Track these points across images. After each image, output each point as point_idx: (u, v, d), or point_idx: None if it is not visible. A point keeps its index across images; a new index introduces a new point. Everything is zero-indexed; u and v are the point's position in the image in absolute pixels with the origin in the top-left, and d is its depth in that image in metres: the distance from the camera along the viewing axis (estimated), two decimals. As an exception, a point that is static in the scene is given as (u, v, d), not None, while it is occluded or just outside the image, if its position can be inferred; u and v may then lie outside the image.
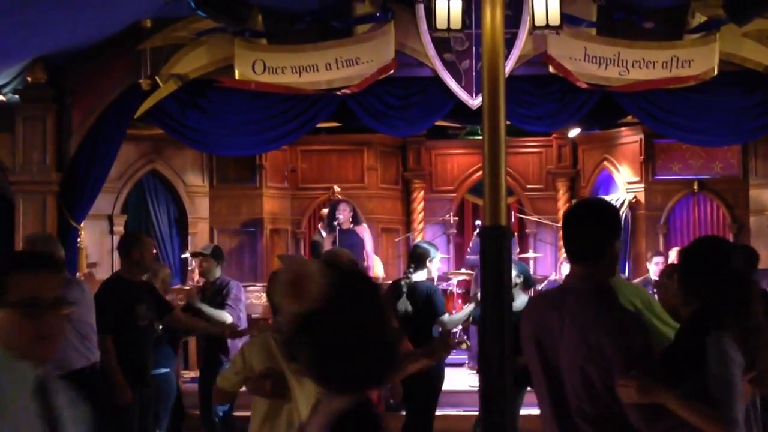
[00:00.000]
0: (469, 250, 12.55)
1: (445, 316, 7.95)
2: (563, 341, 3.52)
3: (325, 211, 12.28)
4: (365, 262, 11.37)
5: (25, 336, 2.59)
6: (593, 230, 3.54)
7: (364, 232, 11.82)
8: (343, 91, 9.66)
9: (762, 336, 3.76)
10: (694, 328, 3.80)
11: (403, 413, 8.21)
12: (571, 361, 3.50)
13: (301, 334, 2.22)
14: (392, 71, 9.65)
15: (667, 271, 6.46)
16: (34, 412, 2.55)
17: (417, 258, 8.12)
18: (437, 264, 8.35)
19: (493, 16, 6.98)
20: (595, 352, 3.38)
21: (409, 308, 7.79)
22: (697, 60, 9.53)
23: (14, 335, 2.59)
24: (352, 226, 11.69)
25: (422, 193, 14.23)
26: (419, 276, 8.05)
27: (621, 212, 12.91)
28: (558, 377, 3.57)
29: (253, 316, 10.63)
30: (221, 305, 8.32)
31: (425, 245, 8.37)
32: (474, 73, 9.47)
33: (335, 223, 11.49)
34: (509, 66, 9.10)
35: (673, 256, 10.83)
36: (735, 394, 3.50)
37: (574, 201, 13.73)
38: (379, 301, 2.32)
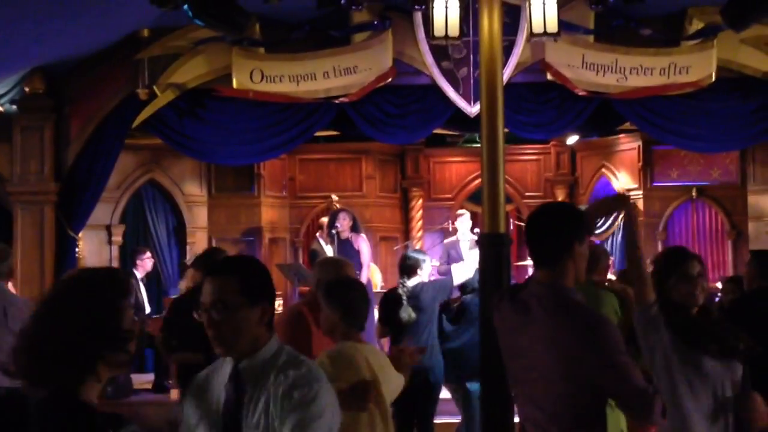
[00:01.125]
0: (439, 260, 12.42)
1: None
2: (529, 351, 3.49)
3: (325, 220, 12.28)
4: (360, 272, 11.38)
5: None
6: (549, 233, 3.52)
7: (361, 242, 11.81)
8: (341, 99, 9.66)
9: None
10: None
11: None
12: (540, 372, 3.45)
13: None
14: (390, 79, 9.66)
15: None
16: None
17: (408, 268, 8.15)
18: (428, 270, 8.39)
19: (490, 24, 6.99)
20: (568, 359, 3.35)
21: (413, 314, 7.79)
22: (694, 66, 9.54)
23: None
24: (350, 235, 11.69)
25: (421, 201, 14.22)
26: (413, 283, 8.08)
27: (619, 219, 12.89)
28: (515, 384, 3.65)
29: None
30: None
31: (414, 255, 8.41)
32: (472, 81, 9.47)
33: (334, 231, 11.49)
34: (507, 73, 9.11)
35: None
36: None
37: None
38: (90, 303, 2.50)
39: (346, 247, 11.48)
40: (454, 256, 11.47)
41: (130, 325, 2.59)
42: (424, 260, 8.25)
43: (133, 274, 11.44)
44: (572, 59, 9.58)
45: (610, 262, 11.46)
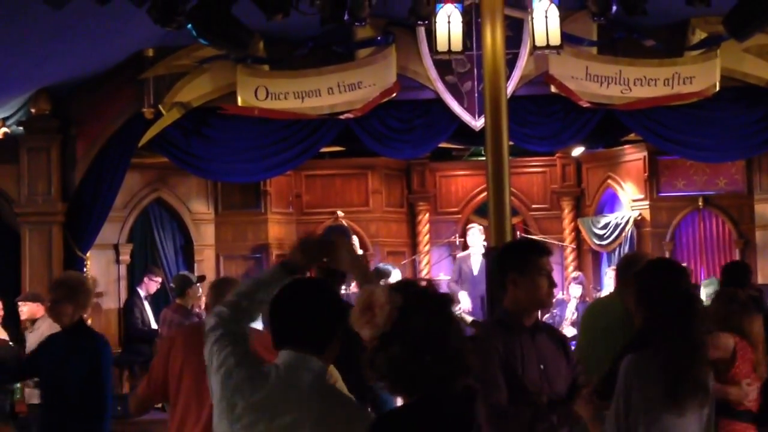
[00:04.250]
0: (450, 276, 12.41)
1: None
2: None
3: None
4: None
5: None
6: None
7: None
8: (345, 115, 9.69)
9: (700, 353, 3.95)
10: (626, 348, 4.07)
11: None
12: None
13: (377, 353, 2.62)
14: (394, 94, 9.69)
15: None
16: None
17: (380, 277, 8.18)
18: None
19: (493, 38, 7.03)
20: None
21: None
22: (698, 76, 9.55)
23: None
24: None
25: (427, 215, 14.20)
26: None
27: (626, 230, 12.87)
28: None
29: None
30: None
31: (386, 266, 8.47)
32: (476, 95, 9.49)
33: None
34: (511, 86, 9.13)
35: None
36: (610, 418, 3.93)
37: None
38: (444, 315, 2.66)
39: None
40: (465, 270, 11.47)
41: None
42: (392, 271, 8.35)
43: (137, 292, 11.47)
44: (576, 71, 9.60)
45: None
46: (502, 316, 4.16)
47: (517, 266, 4.09)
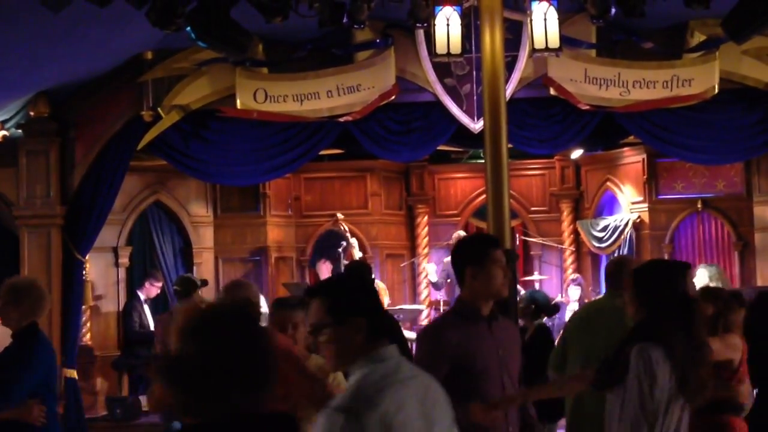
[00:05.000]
0: (435, 274, 12.50)
1: None
2: None
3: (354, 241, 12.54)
4: None
5: None
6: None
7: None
8: (344, 118, 9.68)
9: (702, 352, 4.03)
10: (629, 339, 4.12)
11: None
12: None
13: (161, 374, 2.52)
14: (393, 97, 9.68)
15: None
16: None
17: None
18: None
19: (492, 40, 7.03)
20: None
21: None
22: (697, 79, 9.55)
23: None
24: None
25: (426, 217, 14.20)
26: None
27: (625, 232, 12.88)
28: None
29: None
30: None
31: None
32: (475, 97, 9.49)
33: (340, 250, 11.67)
34: (510, 89, 9.13)
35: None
36: (634, 404, 3.93)
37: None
38: (238, 335, 2.51)
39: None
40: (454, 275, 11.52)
41: None
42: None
43: (136, 295, 11.47)
44: (575, 74, 9.61)
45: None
46: (458, 307, 4.37)
47: (474, 259, 4.28)
